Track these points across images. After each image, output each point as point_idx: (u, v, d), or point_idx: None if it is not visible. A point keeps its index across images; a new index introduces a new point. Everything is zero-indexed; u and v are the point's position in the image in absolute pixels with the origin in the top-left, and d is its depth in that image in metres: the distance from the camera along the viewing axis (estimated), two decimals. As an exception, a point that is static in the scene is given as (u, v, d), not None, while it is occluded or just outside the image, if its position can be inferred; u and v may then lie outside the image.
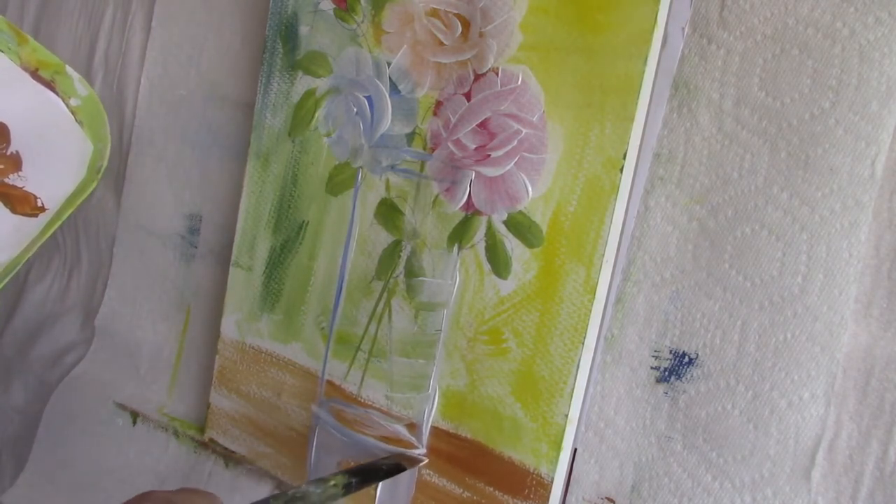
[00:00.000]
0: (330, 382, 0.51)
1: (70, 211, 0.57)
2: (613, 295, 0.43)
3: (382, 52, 0.48)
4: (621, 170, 0.41)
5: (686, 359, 0.42)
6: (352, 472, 0.45)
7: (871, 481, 0.39)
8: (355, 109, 0.49)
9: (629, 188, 0.42)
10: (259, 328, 0.54)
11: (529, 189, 0.43)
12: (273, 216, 0.53)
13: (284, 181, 0.52)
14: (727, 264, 0.41)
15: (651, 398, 0.43)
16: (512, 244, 0.44)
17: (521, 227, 0.44)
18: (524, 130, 0.43)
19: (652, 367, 0.43)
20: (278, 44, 0.52)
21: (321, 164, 0.51)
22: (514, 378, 0.44)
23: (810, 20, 0.39)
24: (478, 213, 0.45)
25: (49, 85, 0.58)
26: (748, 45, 0.40)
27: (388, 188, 0.48)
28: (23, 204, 0.59)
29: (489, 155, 0.44)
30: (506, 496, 0.45)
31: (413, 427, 0.48)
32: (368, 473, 0.46)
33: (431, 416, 0.47)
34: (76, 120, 0.59)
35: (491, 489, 0.45)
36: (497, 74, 0.44)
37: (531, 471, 0.44)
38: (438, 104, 0.46)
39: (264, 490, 0.55)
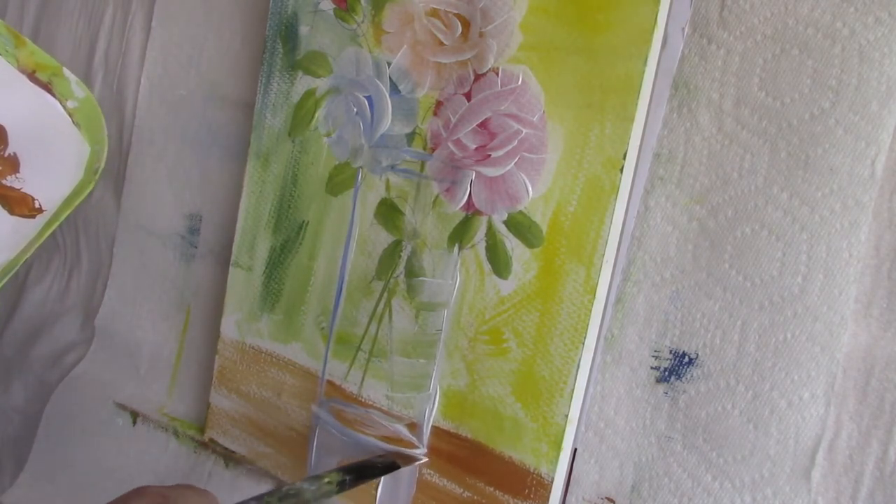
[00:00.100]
0: (330, 382, 0.51)
1: (67, 212, 0.58)
2: (613, 295, 0.43)
3: (382, 52, 0.48)
4: (621, 170, 0.41)
5: (686, 359, 0.42)
6: (346, 470, 0.45)
7: (871, 481, 0.39)
8: (355, 109, 0.49)
9: (629, 188, 0.42)
10: (259, 328, 0.54)
11: (529, 189, 0.43)
12: (273, 216, 0.53)
13: (284, 181, 0.52)
14: (727, 264, 0.41)
15: (651, 398, 0.43)
16: (512, 244, 0.44)
17: (522, 227, 0.44)
18: (524, 130, 0.43)
19: (652, 367, 0.43)
20: (278, 44, 0.52)
21: (321, 164, 0.51)
22: (514, 378, 0.44)
23: (810, 20, 0.39)
24: (478, 213, 0.45)
25: (46, 87, 0.59)
26: (748, 45, 0.40)
27: (388, 188, 0.48)
28: (20, 205, 0.59)
29: (489, 155, 0.44)
30: (506, 496, 0.45)
31: (414, 427, 0.48)
32: (363, 471, 0.46)
33: (432, 415, 0.47)
34: (73, 122, 0.59)
35: (491, 489, 0.45)
36: (497, 74, 0.44)
37: (531, 471, 0.44)
38: (438, 104, 0.46)
39: (264, 490, 0.55)
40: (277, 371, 0.53)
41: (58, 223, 0.58)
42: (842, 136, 0.38)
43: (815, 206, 0.39)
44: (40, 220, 0.59)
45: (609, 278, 0.42)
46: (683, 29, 0.41)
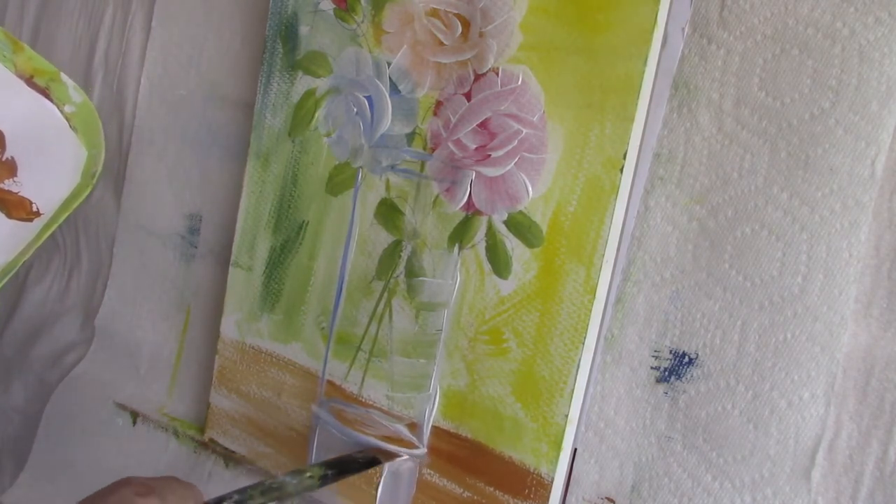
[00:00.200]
0: (330, 382, 0.51)
1: (65, 216, 0.58)
2: (613, 295, 0.43)
3: (382, 52, 0.48)
4: (621, 170, 0.41)
5: (686, 359, 0.42)
6: (328, 465, 0.45)
7: (871, 481, 0.39)
8: (355, 109, 0.49)
9: (629, 188, 0.42)
10: (259, 328, 0.54)
11: (529, 189, 0.43)
12: (273, 216, 0.53)
13: (284, 181, 0.52)
14: (727, 264, 0.41)
15: (651, 398, 0.43)
16: (512, 244, 0.44)
17: (522, 227, 0.44)
18: (524, 130, 0.43)
19: (652, 367, 0.43)
20: (278, 44, 0.52)
21: (321, 164, 0.51)
22: (514, 378, 0.44)
23: (810, 20, 0.39)
24: (478, 213, 0.45)
25: (44, 92, 0.59)
26: (748, 45, 0.40)
27: (388, 188, 0.48)
28: (18, 209, 0.60)
29: (489, 155, 0.44)
30: (506, 496, 0.45)
31: (414, 427, 0.48)
32: (344, 466, 0.46)
33: (432, 415, 0.47)
34: (71, 126, 0.59)
35: (491, 489, 0.45)
36: (497, 74, 0.44)
37: (531, 471, 0.44)
38: (438, 104, 0.46)
39: (264, 490, 0.55)
40: (277, 371, 0.53)
41: (55, 226, 0.58)
42: (842, 136, 0.38)
43: (815, 206, 0.39)
44: (38, 223, 0.60)
45: (609, 278, 0.42)
46: (683, 29, 0.41)
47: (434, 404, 0.47)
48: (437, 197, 0.46)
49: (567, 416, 0.43)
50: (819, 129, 0.39)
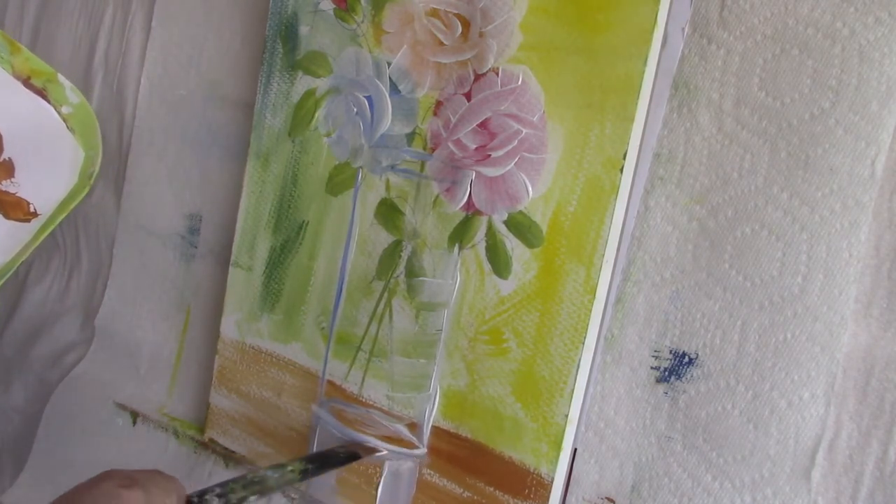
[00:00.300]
0: (330, 382, 0.51)
1: (62, 216, 0.58)
2: (613, 295, 0.43)
3: (382, 52, 0.48)
4: (621, 170, 0.41)
5: (686, 359, 0.42)
6: (309, 459, 0.46)
7: (871, 481, 0.39)
8: (355, 109, 0.49)
9: (629, 188, 0.42)
10: (259, 328, 0.54)
11: (529, 189, 0.43)
12: (273, 216, 0.53)
13: (284, 181, 0.52)
14: (727, 264, 0.41)
15: (651, 398, 0.43)
16: (512, 244, 0.44)
17: (522, 227, 0.44)
18: (524, 130, 0.43)
19: (652, 367, 0.43)
20: (278, 44, 0.52)
21: (321, 164, 0.51)
22: (514, 378, 0.44)
23: (810, 20, 0.39)
24: (478, 213, 0.45)
25: (41, 93, 0.59)
26: (748, 45, 0.40)
27: (388, 188, 0.48)
28: (15, 209, 0.60)
29: (489, 155, 0.44)
30: (506, 496, 0.45)
31: (414, 427, 0.48)
32: (325, 460, 0.47)
33: (432, 415, 0.47)
34: (68, 127, 0.60)
35: (491, 489, 0.45)
36: (497, 74, 0.44)
37: (531, 471, 0.44)
38: (438, 104, 0.46)
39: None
40: (277, 371, 0.53)
41: (52, 227, 0.59)
42: (842, 136, 0.38)
43: (815, 206, 0.39)
44: (35, 223, 0.60)
45: (609, 278, 0.42)
46: (683, 29, 0.41)
47: (434, 404, 0.47)
48: (437, 197, 0.46)
49: (567, 416, 0.43)
50: (819, 129, 0.39)
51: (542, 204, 0.43)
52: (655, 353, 0.43)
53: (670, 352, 0.43)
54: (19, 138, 0.60)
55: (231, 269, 0.55)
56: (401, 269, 0.48)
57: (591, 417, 0.45)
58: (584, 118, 0.42)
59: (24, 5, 0.69)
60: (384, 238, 0.48)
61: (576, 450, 0.45)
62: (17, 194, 0.60)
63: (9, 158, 0.60)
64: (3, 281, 0.58)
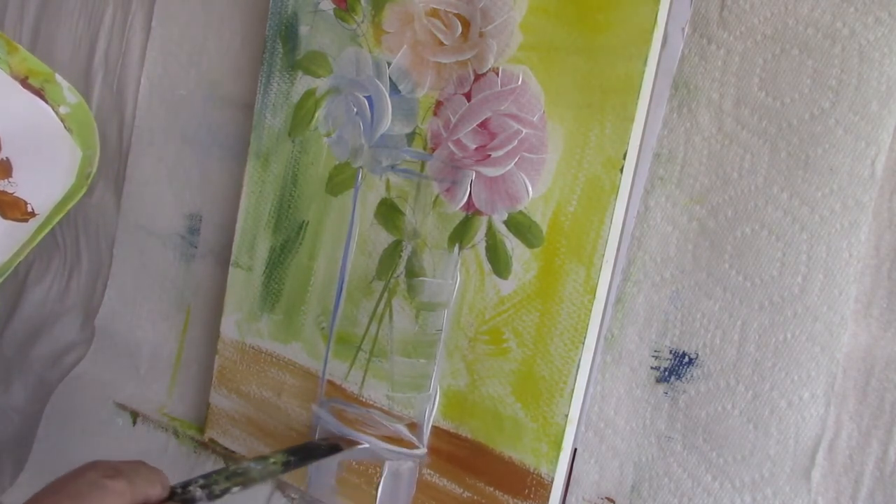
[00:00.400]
0: (331, 382, 0.51)
1: (60, 216, 0.58)
2: (613, 295, 0.43)
3: (382, 52, 0.48)
4: (621, 170, 0.41)
5: (686, 359, 0.42)
6: (291, 451, 0.46)
7: (871, 481, 0.39)
8: (355, 109, 0.49)
9: (629, 188, 0.42)
10: (259, 328, 0.54)
11: (529, 189, 0.43)
12: (273, 216, 0.53)
13: (284, 181, 0.52)
14: (727, 264, 0.41)
15: (651, 398, 0.43)
16: (512, 244, 0.44)
17: (522, 227, 0.44)
18: (524, 130, 0.43)
19: (652, 367, 0.43)
20: (278, 44, 0.52)
21: (321, 164, 0.51)
22: (514, 378, 0.44)
23: (810, 20, 0.39)
24: (478, 213, 0.45)
25: (39, 93, 0.59)
26: (748, 45, 0.40)
27: (388, 188, 0.48)
28: (13, 209, 0.60)
29: (489, 155, 0.44)
30: (506, 496, 0.45)
31: (414, 427, 0.48)
32: (308, 452, 0.47)
33: (432, 415, 0.47)
34: (66, 127, 0.60)
35: (491, 489, 0.45)
36: (497, 74, 0.44)
37: (531, 471, 0.44)
38: (438, 104, 0.46)
39: (264, 490, 0.55)
40: (277, 371, 0.53)
41: (50, 227, 0.59)
42: (842, 136, 0.38)
43: (815, 206, 0.39)
44: (33, 223, 0.60)
45: (609, 278, 0.42)
46: (683, 29, 0.41)
47: (434, 404, 0.47)
48: (437, 197, 0.46)
49: (567, 416, 0.43)
50: (819, 129, 0.39)
51: (542, 204, 0.43)
52: (655, 353, 0.43)
53: (670, 352, 0.43)
54: (17, 138, 0.60)
55: (231, 269, 0.55)
56: (401, 269, 0.48)
57: (591, 417, 0.45)
58: (584, 118, 0.42)
59: (24, 5, 0.69)
60: (384, 238, 0.48)
61: (576, 450, 0.45)
62: (15, 194, 0.60)
63: (6, 158, 0.60)
64: (1, 281, 0.58)
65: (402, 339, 0.48)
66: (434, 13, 0.46)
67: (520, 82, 0.43)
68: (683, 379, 0.42)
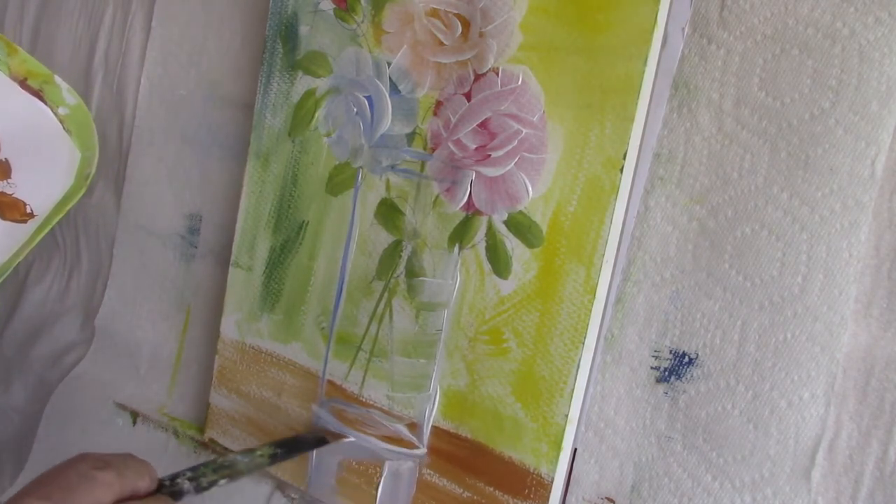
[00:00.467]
0: (331, 382, 0.51)
1: (59, 217, 0.59)
2: (613, 295, 0.43)
3: (382, 52, 0.48)
4: (621, 170, 0.41)
5: (686, 359, 0.42)
6: (278, 444, 0.47)
7: (871, 481, 0.39)
8: (355, 109, 0.49)
9: (629, 188, 0.42)
10: (259, 328, 0.54)
11: (529, 189, 0.43)
12: (273, 216, 0.53)
13: (284, 181, 0.52)
14: (727, 264, 0.41)
15: (651, 398, 0.43)
16: (512, 244, 0.44)
17: (522, 227, 0.44)
18: (524, 130, 0.43)
19: (652, 367, 0.43)
20: (278, 44, 0.52)
21: (321, 164, 0.51)
22: (514, 378, 0.44)
23: (810, 20, 0.39)
24: (478, 213, 0.45)
25: (38, 94, 0.60)
26: (748, 45, 0.40)
27: (388, 188, 0.48)
28: (12, 210, 0.60)
29: (489, 155, 0.44)
30: (506, 496, 0.45)
31: (414, 427, 0.48)
32: (294, 445, 0.48)
33: (432, 415, 0.47)
34: (64, 129, 0.60)
35: (491, 489, 0.45)
36: (497, 74, 0.44)
37: (531, 471, 0.44)
38: (438, 104, 0.46)
39: (264, 490, 0.55)
40: (277, 371, 0.53)
41: (49, 228, 0.59)
42: (842, 136, 0.38)
43: (815, 206, 0.39)
44: (32, 224, 0.60)
45: (609, 278, 0.42)
46: (683, 29, 0.41)
47: (434, 404, 0.47)
48: (437, 197, 0.46)
49: (567, 416, 0.43)
50: (819, 129, 0.39)
51: (542, 204, 0.43)
52: (655, 353, 0.43)
53: (670, 352, 0.43)
54: (16, 139, 0.60)
55: (231, 269, 0.55)
56: (401, 269, 0.48)
57: (591, 417, 0.45)
58: (584, 118, 0.42)
59: (24, 5, 0.69)
60: (384, 238, 0.48)
61: (576, 450, 0.45)
62: (14, 195, 0.60)
63: (5, 159, 0.60)
64: (0, 281, 0.58)
65: (402, 339, 0.48)
66: (434, 13, 0.46)
67: (520, 82, 0.43)
68: (683, 379, 0.42)
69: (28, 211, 0.60)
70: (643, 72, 0.40)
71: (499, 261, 0.44)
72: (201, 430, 0.59)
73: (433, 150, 0.46)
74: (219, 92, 0.59)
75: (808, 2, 0.39)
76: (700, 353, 0.42)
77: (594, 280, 0.42)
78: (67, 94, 0.59)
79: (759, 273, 0.40)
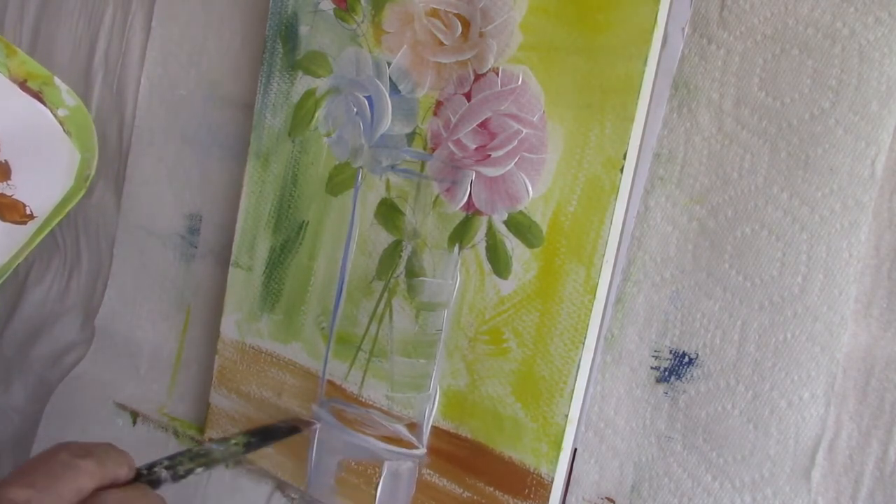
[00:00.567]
0: (331, 382, 0.51)
1: (58, 219, 0.59)
2: (613, 295, 0.43)
3: (382, 52, 0.48)
4: (621, 170, 0.41)
5: (686, 359, 0.42)
6: (252, 433, 0.48)
7: (871, 481, 0.39)
8: (355, 109, 0.49)
9: (629, 188, 0.42)
10: (259, 328, 0.54)
11: (529, 189, 0.43)
12: (273, 216, 0.53)
13: (284, 181, 0.52)
14: (727, 264, 0.41)
15: (651, 398, 0.43)
16: (512, 244, 0.44)
17: (522, 227, 0.44)
18: (524, 130, 0.43)
19: (652, 367, 0.43)
20: (278, 44, 0.52)
21: (321, 164, 0.51)
22: (514, 378, 0.44)
23: (810, 20, 0.39)
24: (478, 213, 0.45)
25: (37, 96, 0.60)
26: (748, 45, 0.40)
27: (388, 188, 0.48)
28: (12, 212, 0.60)
29: (489, 155, 0.44)
30: (506, 496, 0.45)
31: (413, 427, 0.48)
32: (267, 433, 0.49)
33: (432, 415, 0.47)
34: (64, 130, 0.60)
35: (491, 489, 0.45)
36: (497, 74, 0.44)
37: (531, 471, 0.44)
38: (438, 104, 0.46)
39: (264, 490, 0.55)
40: (277, 371, 0.53)
41: (49, 229, 0.59)
42: (842, 136, 0.38)
43: (815, 206, 0.39)
44: (32, 226, 0.60)
45: (609, 278, 0.42)
46: (683, 29, 0.41)
47: (434, 404, 0.47)
48: (437, 197, 0.46)
49: (567, 416, 0.43)
50: (819, 129, 0.39)
51: (542, 204, 0.43)
52: (655, 353, 0.43)
53: (670, 352, 0.43)
54: (16, 141, 0.60)
55: (231, 269, 0.55)
56: (401, 269, 0.48)
57: (591, 417, 0.45)
58: (584, 118, 0.42)
59: (24, 5, 0.69)
60: (384, 238, 0.48)
61: (576, 450, 0.45)
62: (14, 197, 0.61)
63: (5, 161, 0.60)
64: (0, 283, 0.58)
65: (402, 339, 0.48)
66: (434, 13, 0.46)
67: (520, 82, 0.43)
68: (683, 379, 0.42)
69: (28, 212, 0.61)
70: (643, 72, 0.40)
71: (499, 261, 0.44)
72: (201, 430, 0.59)
73: (433, 150, 0.46)
74: (219, 92, 0.59)
75: (808, 2, 0.39)
76: (700, 353, 0.42)
77: (594, 280, 0.42)
78: (67, 95, 0.59)
79: (759, 273, 0.40)
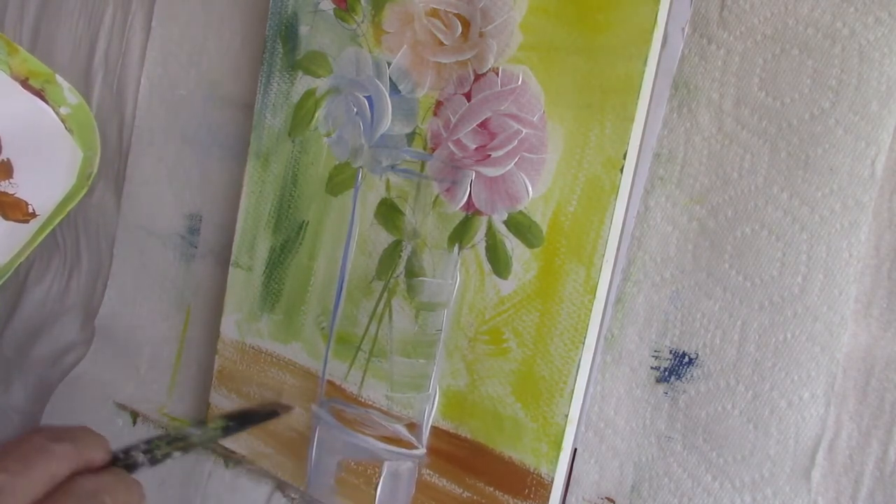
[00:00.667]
0: (330, 382, 0.51)
1: (61, 217, 0.59)
2: (613, 295, 0.43)
3: (382, 52, 0.48)
4: (621, 170, 0.41)
5: (686, 359, 0.42)
6: (230, 416, 0.48)
7: (871, 481, 0.39)
8: (355, 109, 0.49)
9: (629, 188, 0.42)
10: (259, 328, 0.54)
11: (529, 189, 0.43)
12: (273, 216, 0.53)
13: (284, 181, 0.52)
14: (727, 264, 0.41)
15: (651, 398, 0.43)
16: (512, 244, 0.44)
17: (522, 227, 0.44)
18: (524, 130, 0.43)
19: (652, 367, 0.43)
20: (278, 44, 0.52)
21: (321, 164, 0.51)
22: (514, 378, 0.44)
23: (810, 20, 0.39)
24: (478, 213, 0.45)
25: (39, 94, 0.60)
26: (748, 45, 0.40)
27: (388, 188, 0.48)
28: (14, 210, 0.60)
29: (489, 155, 0.44)
30: (506, 496, 0.45)
31: (413, 427, 0.48)
32: (245, 417, 0.49)
33: (432, 415, 0.47)
34: (66, 128, 0.60)
35: (491, 489, 0.45)
36: (497, 74, 0.44)
37: (531, 471, 0.44)
38: (438, 104, 0.46)
39: (264, 490, 0.55)
40: (277, 371, 0.53)
41: (51, 228, 0.59)
42: (842, 136, 0.38)
43: (815, 206, 0.39)
44: (34, 224, 0.60)
45: (609, 278, 0.42)
46: (683, 29, 0.41)
47: (434, 404, 0.47)
48: (437, 197, 0.46)
49: (567, 416, 0.43)
50: (819, 129, 0.39)
51: (542, 204, 0.43)
52: (655, 353, 0.43)
53: (670, 352, 0.43)
54: (18, 139, 0.60)
55: (231, 269, 0.55)
56: (401, 269, 0.48)
57: (591, 417, 0.45)
58: (584, 118, 0.42)
59: (24, 5, 0.69)
60: (384, 238, 0.48)
61: (576, 450, 0.45)
62: (16, 195, 0.60)
63: (7, 159, 0.60)
64: (2, 281, 0.58)
65: (401, 339, 0.48)
66: (434, 13, 0.46)
67: (520, 82, 0.43)
68: (683, 379, 0.42)
69: (30, 211, 0.61)
70: (643, 72, 0.40)
71: (499, 261, 0.44)
72: (201, 430, 0.59)
73: (433, 150, 0.46)
74: (219, 92, 0.59)
75: (808, 2, 0.39)
76: (700, 353, 0.42)
77: (594, 280, 0.42)
78: (69, 93, 0.59)
79: (759, 273, 0.40)
